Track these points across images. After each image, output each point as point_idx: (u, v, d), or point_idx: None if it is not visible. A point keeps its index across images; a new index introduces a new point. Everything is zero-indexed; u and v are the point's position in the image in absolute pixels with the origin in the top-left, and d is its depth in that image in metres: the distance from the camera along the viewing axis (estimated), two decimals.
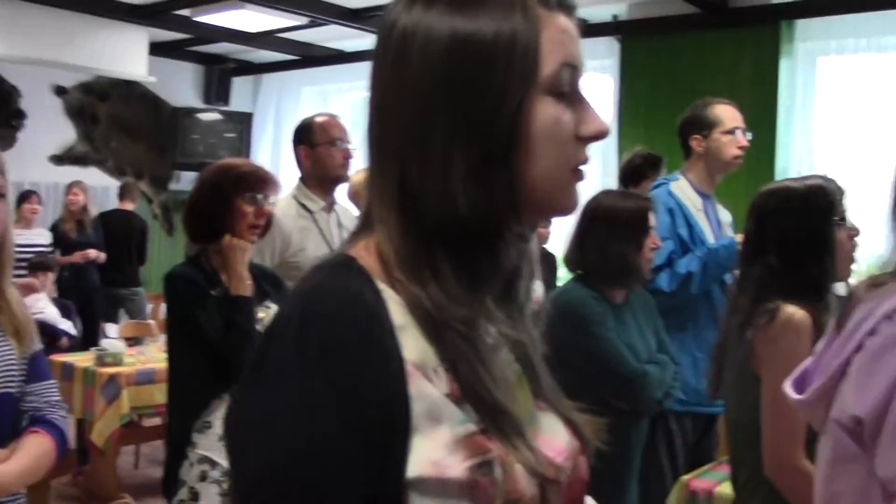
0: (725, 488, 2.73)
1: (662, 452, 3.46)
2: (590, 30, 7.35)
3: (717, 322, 2.63)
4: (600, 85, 7.46)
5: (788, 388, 1.76)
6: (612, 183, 5.00)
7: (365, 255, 0.97)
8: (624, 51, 7.27)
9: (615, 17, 7.35)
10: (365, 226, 1.01)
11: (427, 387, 0.90)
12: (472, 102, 0.93)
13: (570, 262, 3.14)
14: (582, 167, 0.99)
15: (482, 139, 0.93)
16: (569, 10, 1.00)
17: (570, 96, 0.97)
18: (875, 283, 1.65)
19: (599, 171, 7.06)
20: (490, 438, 0.91)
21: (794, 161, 6.49)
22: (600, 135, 0.99)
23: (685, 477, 3.10)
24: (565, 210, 1.02)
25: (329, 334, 0.88)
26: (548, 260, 6.45)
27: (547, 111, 0.95)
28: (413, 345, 0.91)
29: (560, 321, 3.00)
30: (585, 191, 3.45)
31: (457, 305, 0.93)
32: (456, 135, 0.93)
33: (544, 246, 6.92)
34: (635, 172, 4.82)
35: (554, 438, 1.03)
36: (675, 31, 6.92)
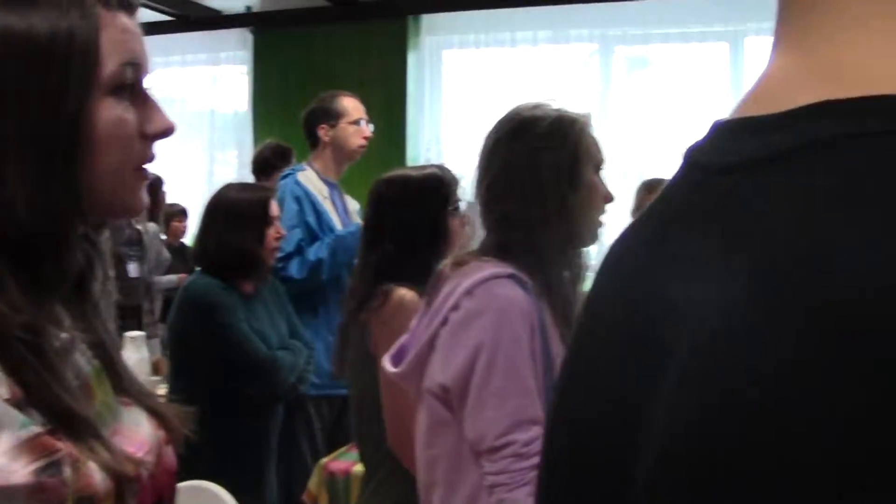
0: (361, 467, 2.83)
1: (302, 437, 3.55)
2: (223, 21, 7.28)
3: None
4: (234, 76, 7.41)
5: (387, 362, 1.88)
6: (249, 176, 5.00)
7: None
8: (257, 42, 7.26)
9: (249, 8, 7.31)
10: None
11: None
12: (29, 105, 0.90)
13: (197, 256, 3.13)
14: (147, 165, 1.01)
15: (40, 142, 0.91)
16: (130, 9, 1.00)
17: (133, 95, 0.98)
18: (459, 262, 1.81)
19: (236, 164, 7.02)
20: (60, 438, 0.90)
21: (423, 149, 6.80)
22: (166, 132, 1.01)
23: (324, 459, 3.18)
24: (132, 210, 1.02)
25: None
26: (184, 255, 6.31)
27: (109, 111, 0.95)
28: None
29: (188, 312, 2.98)
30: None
31: (18, 314, 0.91)
32: (11, 138, 0.90)
33: (182, 240, 6.79)
34: (265, 164, 4.83)
35: (136, 432, 1.04)
36: (307, 24, 7.00)
